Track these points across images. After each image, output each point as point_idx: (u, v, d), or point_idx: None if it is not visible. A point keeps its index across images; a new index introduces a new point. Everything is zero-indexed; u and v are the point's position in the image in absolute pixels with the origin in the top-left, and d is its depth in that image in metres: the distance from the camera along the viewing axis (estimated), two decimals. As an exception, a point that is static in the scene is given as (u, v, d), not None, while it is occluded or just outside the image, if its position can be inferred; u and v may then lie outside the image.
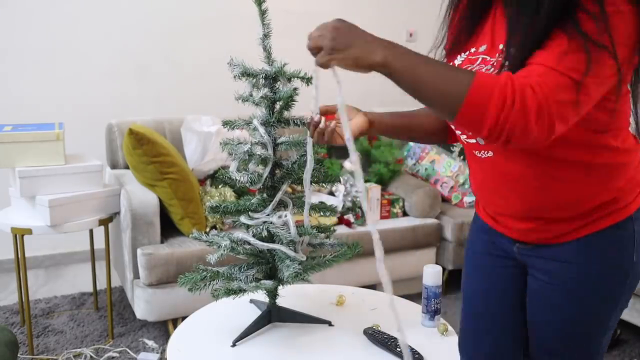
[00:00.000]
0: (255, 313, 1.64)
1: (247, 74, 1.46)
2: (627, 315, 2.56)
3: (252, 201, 1.52)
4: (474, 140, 1.15)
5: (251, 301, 1.73)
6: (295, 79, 1.50)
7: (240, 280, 1.46)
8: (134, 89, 3.59)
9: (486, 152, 1.15)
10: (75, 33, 3.42)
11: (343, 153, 3.42)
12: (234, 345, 1.50)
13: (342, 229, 2.88)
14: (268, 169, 1.47)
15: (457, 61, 1.17)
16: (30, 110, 3.37)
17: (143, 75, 3.60)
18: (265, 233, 1.48)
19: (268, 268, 1.52)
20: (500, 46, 1.08)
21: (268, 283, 1.46)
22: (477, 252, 1.32)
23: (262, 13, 1.46)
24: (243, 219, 1.52)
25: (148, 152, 2.52)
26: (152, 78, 3.62)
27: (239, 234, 1.50)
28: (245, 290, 1.43)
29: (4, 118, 3.31)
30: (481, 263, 1.31)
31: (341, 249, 1.55)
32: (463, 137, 1.19)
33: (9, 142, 2.39)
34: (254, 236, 1.48)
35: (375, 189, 3.05)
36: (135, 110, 3.53)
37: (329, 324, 1.62)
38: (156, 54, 3.61)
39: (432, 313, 1.63)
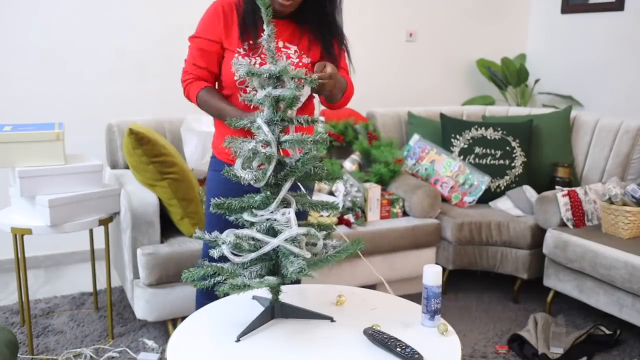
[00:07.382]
0: (255, 311, 1.64)
1: (251, 73, 1.47)
2: (627, 315, 2.54)
3: (255, 198, 1.53)
4: None
5: (254, 297, 1.74)
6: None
7: (244, 276, 1.47)
8: (134, 89, 3.59)
9: None
10: (75, 33, 3.42)
11: (343, 153, 3.44)
12: (238, 340, 1.50)
13: (342, 229, 2.88)
14: (272, 166, 1.48)
15: None
16: (30, 110, 3.37)
17: (143, 75, 3.60)
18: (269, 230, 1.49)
19: (271, 264, 1.53)
20: None
21: (272, 279, 1.46)
22: None
23: (267, 14, 1.47)
24: (246, 216, 1.52)
25: (148, 152, 2.52)
26: (152, 78, 3.62)
27: (244, 230, 1.51)
28: (249, 286, 1.43)
29: (4, 118, 3.31)
30: None
31: (342, 247, 1.56)
32: None
33: (9, 142, 2.39)
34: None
35: (375, 189, 3.05)
36: (135, 110, 3.53)
37: (331, 319, 1.63)
38: (156, 54, 3.60)
39: (432, 313, 1.63)
